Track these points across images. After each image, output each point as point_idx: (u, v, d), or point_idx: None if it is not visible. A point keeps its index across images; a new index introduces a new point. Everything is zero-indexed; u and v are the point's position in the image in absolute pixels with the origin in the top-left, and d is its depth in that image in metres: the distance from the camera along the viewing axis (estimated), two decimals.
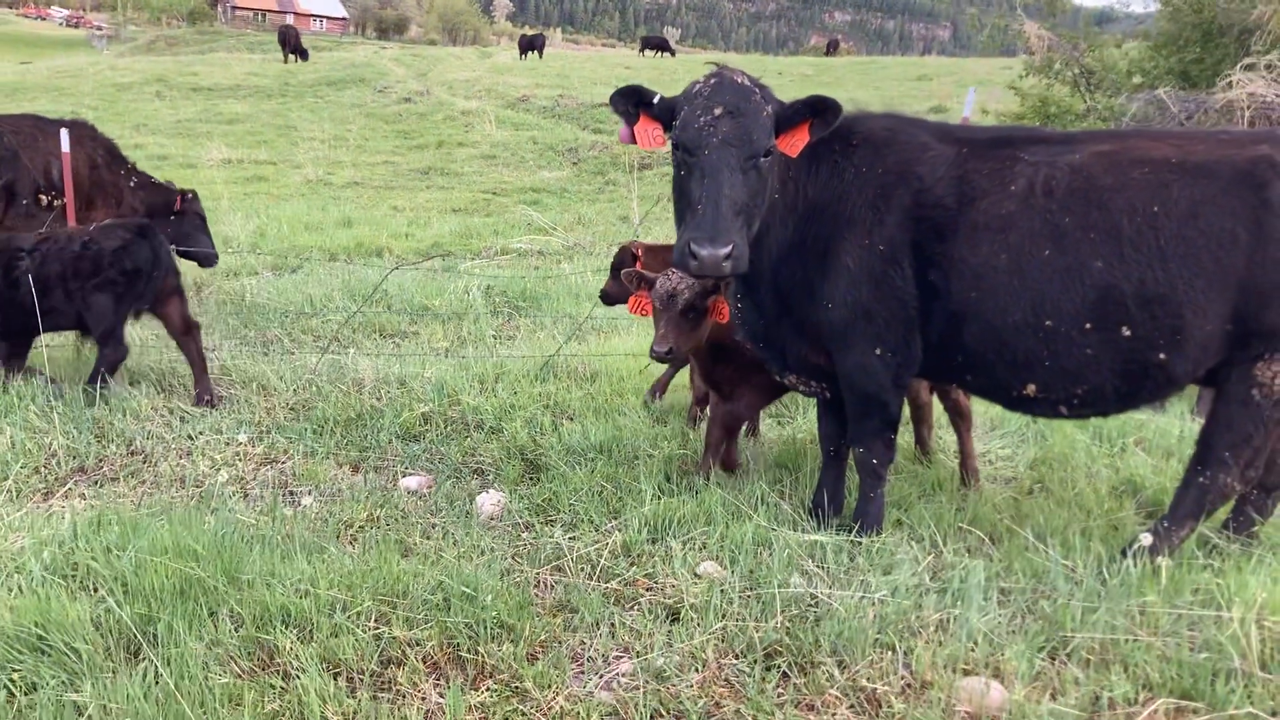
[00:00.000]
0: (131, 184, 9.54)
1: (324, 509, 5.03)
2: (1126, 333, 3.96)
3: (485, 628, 3.62)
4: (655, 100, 4.10)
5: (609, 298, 6.63)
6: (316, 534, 4.63)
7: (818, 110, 4.03)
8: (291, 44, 44.78)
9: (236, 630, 3.57)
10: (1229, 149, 4.03)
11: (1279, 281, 3.88)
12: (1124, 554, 4.19)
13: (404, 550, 4.42)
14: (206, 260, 9.69)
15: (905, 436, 5.92)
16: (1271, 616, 3.64)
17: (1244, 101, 17.83)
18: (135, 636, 3.56)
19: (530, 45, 54.81)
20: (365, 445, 5.96)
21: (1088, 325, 3.99)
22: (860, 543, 4.37)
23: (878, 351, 4.30)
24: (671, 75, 50.23)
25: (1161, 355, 3.98)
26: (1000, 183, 4.15)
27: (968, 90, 8.34)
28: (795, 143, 4.05)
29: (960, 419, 5.37)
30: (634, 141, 4.14)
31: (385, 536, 4.54)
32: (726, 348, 4.98)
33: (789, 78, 49.92)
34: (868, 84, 48.27)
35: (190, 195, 9.56)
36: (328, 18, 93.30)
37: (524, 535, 4.68)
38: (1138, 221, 3.93)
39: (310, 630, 3.59)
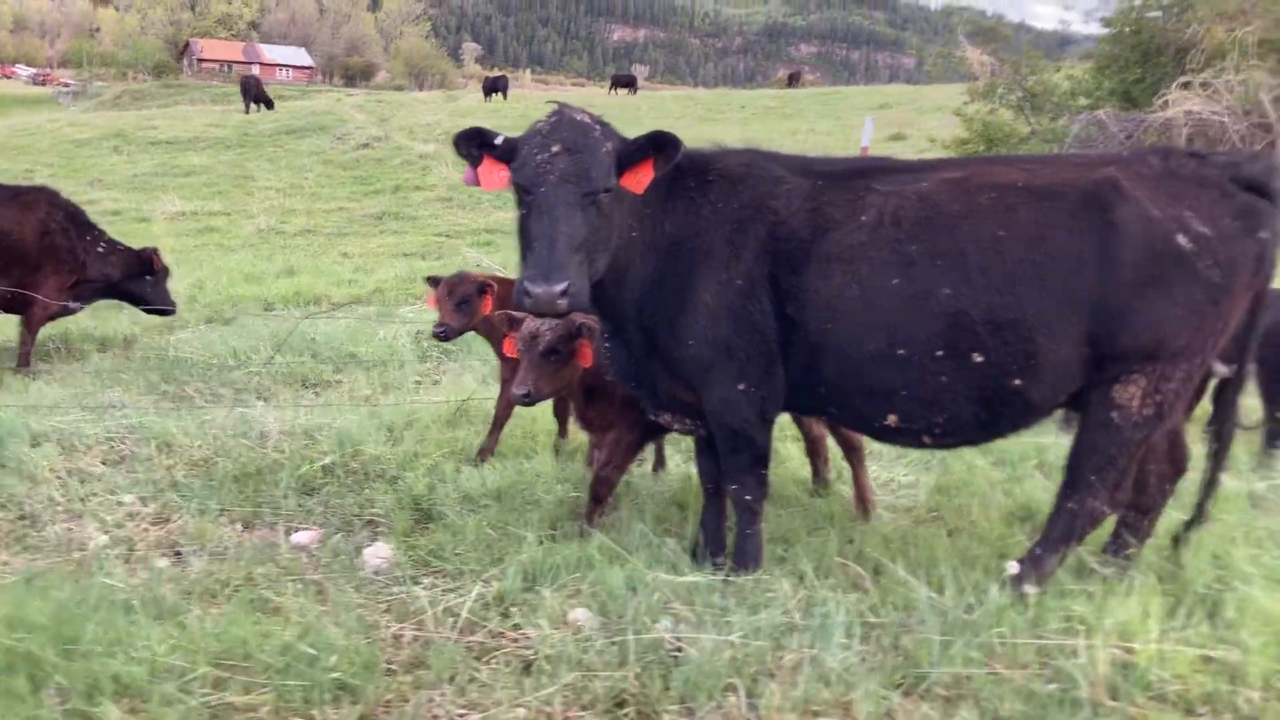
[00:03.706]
0: (100, 250, 9.67)
1: (206, 569, 4.92)
2: (979, 359, 3.93)
3: (324, 690, 3.51)
4: (498, 141, 4.06)
5: (449, 332, 6.12)
6: (187, 596, 4.52)
7: (659, 146, 4.01)
8: (254, 94, 44.84)
9: (63, 704, 3.46)
10: (1076, 172, 4.03)
11: (1129, 303, 3.87)
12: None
13: (268, 609, 4.32)
14: (171, 310, 10.37)
15: (804, 469, 5.88)
16: (1129, 642, 3.58)
17: (1181, 119, 18.08)
18: None
19: (494, 87, 55.22)
20: (261, 501, 5.86)
21: (940, 353, 3.96)
22: (733, 582, 4.30)
23: (741, 386, 4.26)
24: (635, 112, 50.83)
25: (1017, 381, 3.96)
26: (852, 214, 4.13)
27: (866, 120, 8.37)
28: (639, 179, 4.02)
29: (851, 451, 5.33)
30: (478, 183, 4.10)
31: (251, 596, 4.43)
32: (600, 388, 4.92)
33: (752, 110, 50.54)
34: (829, 114, 48.78)
35: (156, 251, 10.10)
36: (294, 66, 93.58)
37: (399, 589, 4.59)
38: (984, 247, 3.92)
39: (143, 699, 3.48)
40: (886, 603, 4.14)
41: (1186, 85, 18.51)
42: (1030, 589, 3.99)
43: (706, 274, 4.22)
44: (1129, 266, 3.84)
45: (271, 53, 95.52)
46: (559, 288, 3.74)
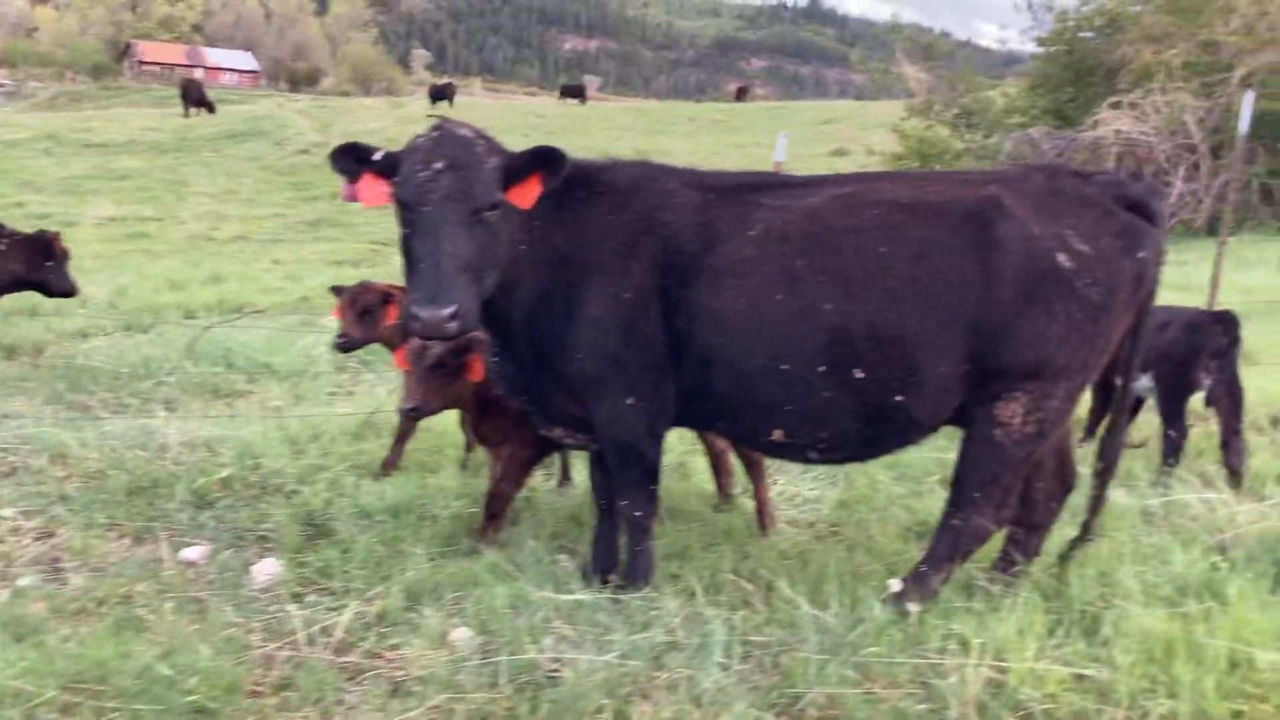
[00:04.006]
0: (3, 247, 9.37)
1: (84, 586, 4.75)
2: (860, 375, 3.92)
3: (179, 714, 3.39)
4: (378, 156, 3.96)
5: (350, 344, 6.03)
6: (56, 614, 4.36)
7: (545, 161, 3.94)
8: (194, 97, 44.15)
9: None
10: (961, 189, 4.04)
11: (1010, 320, 3.87)
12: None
13: (140, 628, 4.17)
14: (74, 293, 10.00)
15: (708, 483, 5.84)
16: (1003, 660, 3.57)
17: (1111, 138, 18.47)
18: None
19: (440, 95, 54.88)
20: (153, 515, 5.69)
21: (822, 368, 3.94)
22: (621, 600, 4.24)
23: (630, 400, 4.20)
24: (583, 122, 50.85)
25: (899, 397, 3.95)
26: (741, 228, 4.11)
27: (779, 137, 8.38)
28: (526, 194, 3.95)
29: (751, 466, 5.29)
30: (356, 200, 4.00)
31: (125, 615, 4.29)
32: (494, 402, 4.84)
33: (700, 123, 50.76)
34: (775, 128, 48.72)
35: (56, 235, 9.74)
36: (239, 70, 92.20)
37: (280, 607, 4.46)
38: (866, 263, 3.91)
39: None
40: (772, 621, 4.11)
41: (1116, 105, 18.95)
42: (912, 606, 3.97)
43: (595, 287, 4.16)
44: (1009, 284, 3.85)
45: (215, 56, 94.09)
46: (447, 311, 3.65)
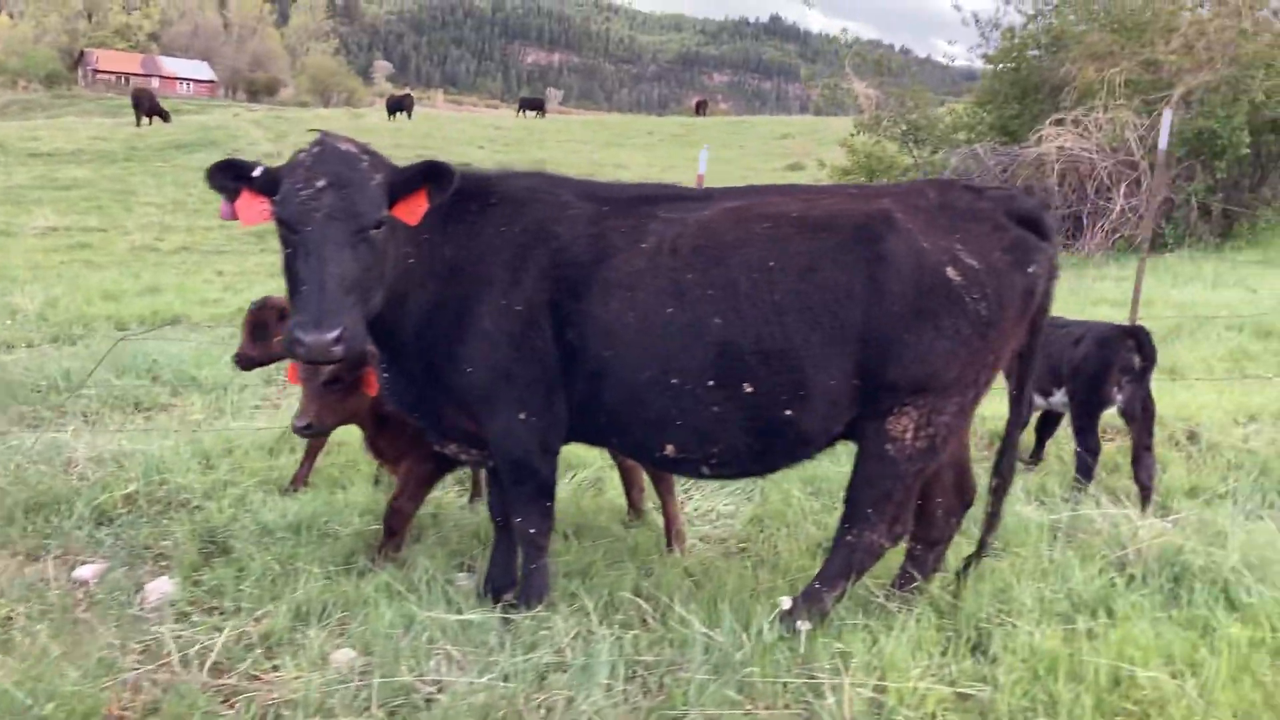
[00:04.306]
0: None
1: None
2: (748, 389, 3.87)
3: None
4: (256, 173, 3.85)
5: (248, 362, 5.95)
6: None
7: (432, 176, 3.85)
8: (146, 106, 43.56)
9: None
10: (853, 203, 4.01)
11: (899, 335, 3.84)
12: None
13: (6, 651, 4.02)
14: None
15: (622, 499, 5.77)
16: (884, 680, 3.53)
17: (1054, 154, 18.68)
18: None
19: (398, 106, 54.55)
20: (49, 532, 5.52)
21: (711, 382, 3.89)
22: (511, 620, 4.15)
23: (521, 415, 4.12)
24: (540, 134, 50.81)
25: (788, 411, 3.90)
26: (633, 240, 4.05)
27: (701, 151, 8.36)
28: (413, 210, 3.86)
29: (659, 481, 5.23)
30: (235, 218, 3.89)
31: (3, 638, 4.14)
32: (390, 417, 4.75)
33: (658, 137, 50.88)
34: (733, 142, 49.34)
35: None
36: (195, 80, 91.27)
37: (162, 627, 4.32)
38: (755, 277, 3.87)
39: None
40: (664, 640, 4.04)
41: (1060, 122, 19.17)
42: (803, 625, 3.91)
43: (486, 299, 4.08)
44: (897, 298, 3.83)
45: (172, 65, 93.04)
46: (331, 335, 3.54)
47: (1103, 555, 4.73)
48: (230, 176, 3.82)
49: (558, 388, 4.12)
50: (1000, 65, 21.88)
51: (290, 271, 3.74)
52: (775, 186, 4.40)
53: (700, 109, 74.26)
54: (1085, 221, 18.28)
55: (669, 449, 4.08)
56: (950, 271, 3.84)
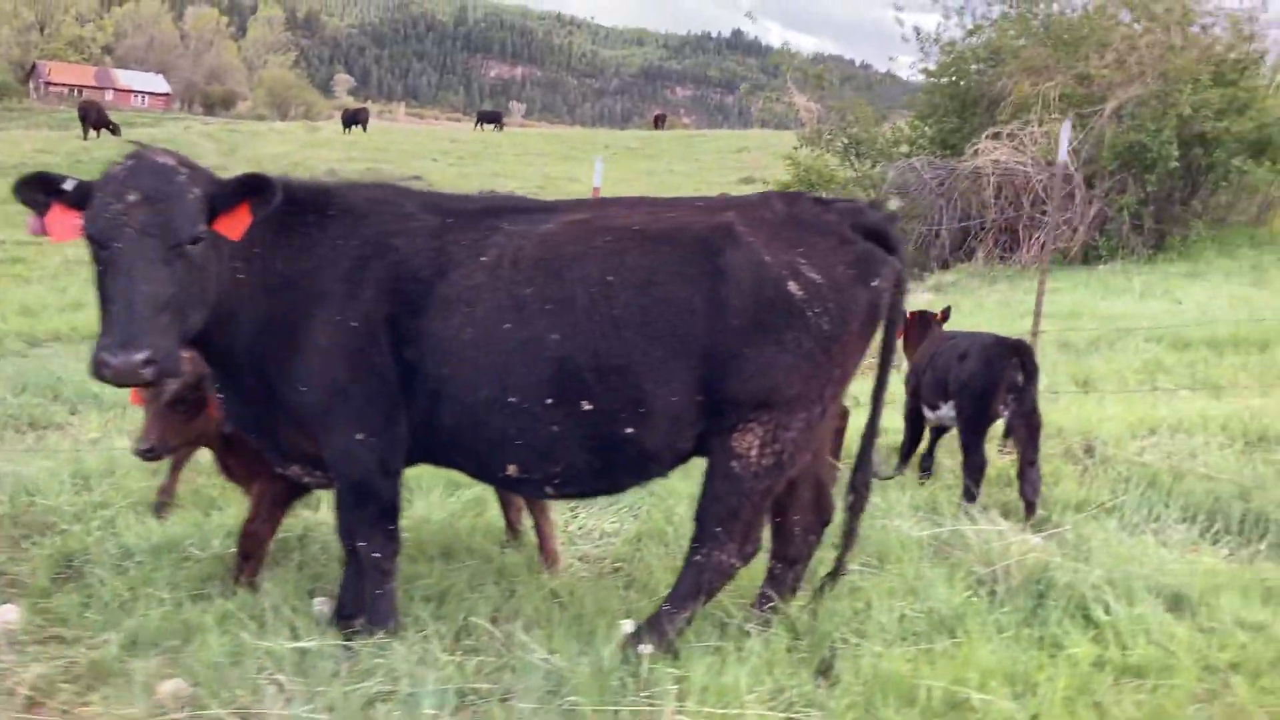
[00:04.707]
0: None
1: None
2: (587, 406, 3.77)
3: None
4: (67, 186, 3.68)
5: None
6: None
7: (253, 189, 3.72)
8: (94, 119, 43.01)
9: None
10: (696, 216, 3.93)
11: (740, 350, 3.76)
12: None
13: None
14: None
15: (500, 519, 5.65)
16: (706, 706, 3.43)
17: (989, 167, 18.81)
18: None
19: (354, 119, 54.29)
20: None
21: (549, 400, 3.79)
22: (351, 648, 4.01)
23: (360, 435, 3.99)
24: (496, 148, 50.68)
25: (628, 429, 3.80)
26: (474, 254, 3.94)
27: (595, 161, 8.28)
28: (235, 225, 3.72)
29: (534, 501, 5.10)
30: (46, 234, 3.74)
31: None
32: (239, 438, 4.58)
33: (615, 150, 50.84)
34: (689, 156, 49.51)
35: None
36: (150, 93, 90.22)
37: None
38: (592, 291, 3.77)
39: None
40: (507, 666, 3.91)
41: (996, 135, 19.32)
42: (645, 649, 3.80)
43: (321, 314, 3.95)
44: (738, 312, 3.74)
45: (126, 78, 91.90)
46: (140, 357, 3.39)
47: (970, 572, 4.66)
48: (40, 190, 3.66)
49: (398, 406, 3.99)
50: (942, 79, 22.04)
51: (101, 290, 3.58)
52: (619, 199, 4.31)
53: (659, 123, 74.42)
54: (1021, 234, 18.41)
55: (511, 469, 3.97)
56: (792, 285, 3.76)
